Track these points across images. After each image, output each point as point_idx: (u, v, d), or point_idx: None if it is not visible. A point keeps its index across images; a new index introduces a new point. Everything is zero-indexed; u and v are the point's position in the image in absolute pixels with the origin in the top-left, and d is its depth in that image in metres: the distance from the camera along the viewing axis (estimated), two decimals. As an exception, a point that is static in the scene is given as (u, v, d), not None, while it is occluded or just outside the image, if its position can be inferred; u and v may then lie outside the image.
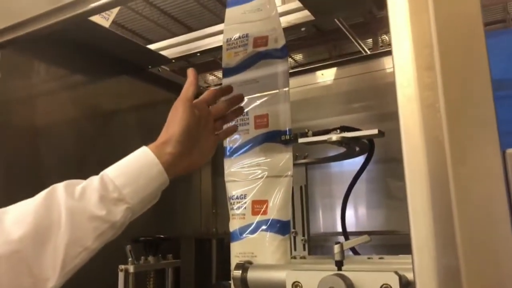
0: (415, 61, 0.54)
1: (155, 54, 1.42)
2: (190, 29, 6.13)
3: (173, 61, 1.43)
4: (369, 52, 1.79)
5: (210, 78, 7.37)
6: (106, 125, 1.34)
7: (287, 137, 0.94)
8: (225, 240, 1.48)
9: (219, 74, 6.98)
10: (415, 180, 0.52)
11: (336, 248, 0.67)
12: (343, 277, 0.63)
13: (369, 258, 0.95)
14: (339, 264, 0.67)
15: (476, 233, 0.49)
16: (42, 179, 1.13)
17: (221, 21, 1.09)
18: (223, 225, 1.75)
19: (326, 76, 1.57)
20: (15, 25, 0.94)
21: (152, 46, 1.48)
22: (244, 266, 0.85)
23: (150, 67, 1.47)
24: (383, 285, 0.62)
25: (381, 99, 1.41)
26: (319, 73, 1.59)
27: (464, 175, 0.51)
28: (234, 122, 1.00)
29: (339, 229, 1.20)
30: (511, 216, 0.50)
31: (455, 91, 0.53)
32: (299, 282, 0.68)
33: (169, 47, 1.46)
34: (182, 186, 1.64)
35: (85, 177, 0.70)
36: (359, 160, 1.05)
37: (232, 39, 1.06)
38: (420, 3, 0.54)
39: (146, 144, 0.77)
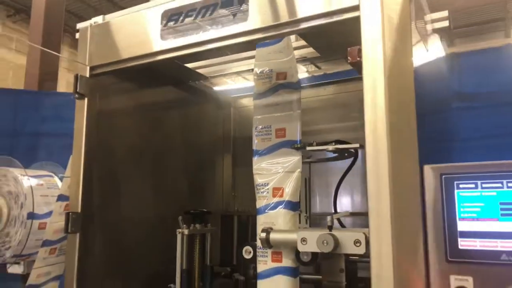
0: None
1: (194, 72, 1.85)
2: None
3: (209, 78, 1.86)
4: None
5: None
6: (159, 124, 1.77)
7: (298, 145, 1.37)
8: (242, 217, 1.92)
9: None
10: (374, 175, 0.95)
11: (329, 218, 1.11)
12: (332, 235, 1.08)
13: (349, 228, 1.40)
14: (330, 228, 1.12)
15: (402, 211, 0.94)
16: (116, 166, 1.56)
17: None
18: (241, 205, 2.19)
19: (328, 90, 2.00)
20: (113, 62, 1.37)
21: (190, 65, 1.90)
22: (267, 231, 1.29)
23: (190, 81, 1.89)
24: (355, 240, 1.07)
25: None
26: (322, 87, 2.01)
27: (399, 180, 0.95)
28: (260, 133, 1.44)
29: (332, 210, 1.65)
30: (423, 214, 0.94)
31: (395, 115, 0.96)
32: (305, 238, 1.13)
33: (205, 66, 1.88)
34: (208, 174, 2.08)
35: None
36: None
37: (261, 72, 1.49)
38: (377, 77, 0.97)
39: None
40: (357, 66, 1.04)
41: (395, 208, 0.92)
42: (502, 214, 0.86)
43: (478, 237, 0.87)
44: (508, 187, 0.86)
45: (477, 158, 0.96)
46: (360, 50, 0.99)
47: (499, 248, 0.85)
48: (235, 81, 7.27)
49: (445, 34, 5.44)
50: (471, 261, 0.87)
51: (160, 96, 1.80)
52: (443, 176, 0.93)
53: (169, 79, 1.81)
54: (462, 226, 0.89)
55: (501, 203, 0.86)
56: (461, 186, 0.91)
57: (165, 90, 1.83)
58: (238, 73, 1.88)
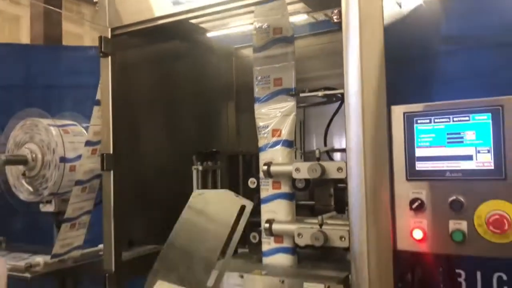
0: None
1: (198, 27, 2.04)
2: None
3: (209, 30, 2.05)
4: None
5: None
6: (170, 76, 2.00)
7: (293, 92, 1.60)
8: (246, 156, 2.19)
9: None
10: (350, 114, 1.19)
11: (317, 151, 1.37)
12: (320, 164, 1.34)
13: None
14: (318, 159, 1.38)
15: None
16: (137, 113, 1.81)
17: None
18: (245, 146, 2.46)
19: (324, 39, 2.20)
20: (130, 24, 1.57)
21: (194, 21, 2.07)
22: (268, 164, 1.56)
23: (194, 35, 2.09)
24: (338, 167, 1.33)
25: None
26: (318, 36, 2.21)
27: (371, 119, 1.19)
28: (260, 82, 1.66)
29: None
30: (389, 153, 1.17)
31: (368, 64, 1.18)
32: (298, 168, 1.40)
33: (209, 21, 2.06)
34: (215, 119, 2.32)
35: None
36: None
37: (260, 27, 1.69)
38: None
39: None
40: (339, 24, 1.25)
41: (366, 139, 1.16)
42: (448, 142, 1.11)
43: (430, 160, 1.13)
44: (453, 121, 1.10)
45: (462, 97, 1.16)
46: (340, 12, 1.20)
47: (445, 168, 1.11)
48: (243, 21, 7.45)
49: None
50: (424, 178, 1.14)
51: (169, 50, 2.01)
52: (406, 114, 1.17)
53: (176, 34, 2.01)
54: (418, 152, 1.15)
55: (447, 134, 1.11)
56: (419, 121, 1.15)
57: (173, 44, 2.03)
58: (238, 26, 2.06)
